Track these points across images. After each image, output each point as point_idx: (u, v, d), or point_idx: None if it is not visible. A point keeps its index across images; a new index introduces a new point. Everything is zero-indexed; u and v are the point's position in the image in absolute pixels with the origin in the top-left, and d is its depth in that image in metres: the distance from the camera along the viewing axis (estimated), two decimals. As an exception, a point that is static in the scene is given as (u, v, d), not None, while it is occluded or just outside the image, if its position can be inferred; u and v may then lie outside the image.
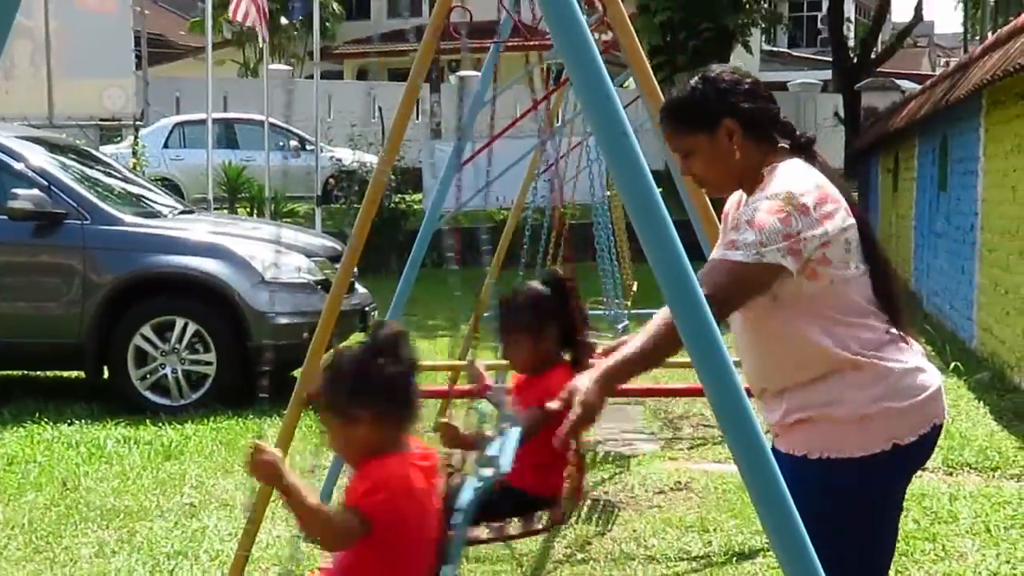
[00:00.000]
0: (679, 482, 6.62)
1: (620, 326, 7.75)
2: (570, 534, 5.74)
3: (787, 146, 3.15)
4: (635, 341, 2.98)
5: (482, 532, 4.12)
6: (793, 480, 3.00)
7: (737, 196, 3.28)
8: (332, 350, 3.07)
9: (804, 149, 3.16)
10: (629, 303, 8.73)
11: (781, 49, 47.91)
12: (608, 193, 9.16)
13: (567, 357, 4.17)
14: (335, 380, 2.96)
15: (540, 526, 4.21)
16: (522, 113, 8.64)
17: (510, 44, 6.79)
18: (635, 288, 9.36)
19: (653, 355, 2.91)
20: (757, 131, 3.11)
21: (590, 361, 3.79)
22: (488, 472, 3.12)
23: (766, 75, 37.70)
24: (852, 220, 3.01)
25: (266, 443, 2.81)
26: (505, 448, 3.31)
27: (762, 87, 3.20)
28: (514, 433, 3.45)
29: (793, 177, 3.01)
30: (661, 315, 2.90)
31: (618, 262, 9.14)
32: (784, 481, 2.84)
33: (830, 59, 31.20)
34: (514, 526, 4.13)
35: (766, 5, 25.88)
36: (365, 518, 2.86)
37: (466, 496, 3.02)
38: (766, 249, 2.88)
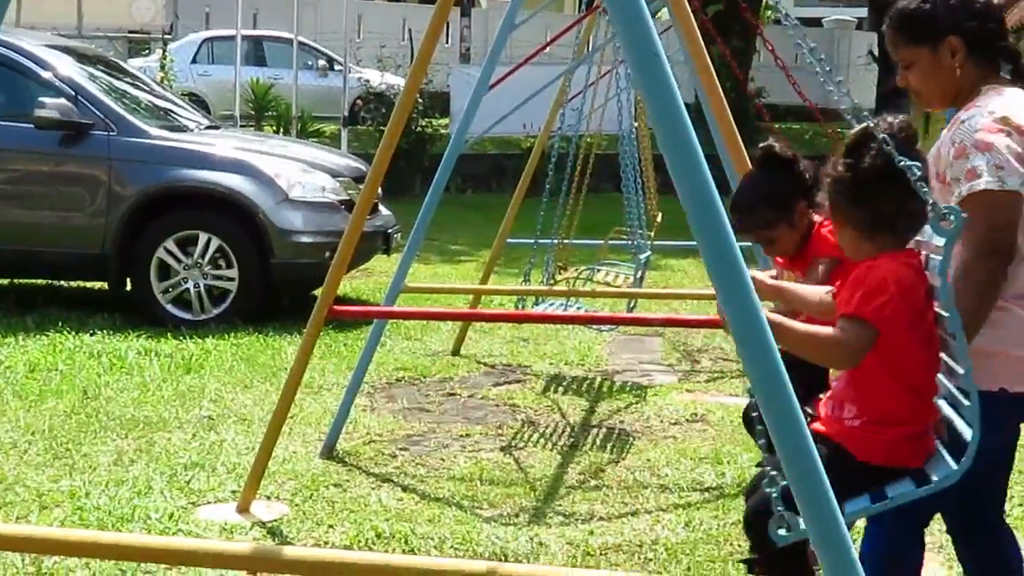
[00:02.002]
0: (695, 414, 6.64)
1: (643, 256, 7.72)
2: (584, 461, 5.78)
3: (1007, 75, 3.12)
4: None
5: None
6: None
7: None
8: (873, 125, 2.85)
9: None
10: (652, 234, 8.69)
11: (817, -16, 47.22)
12: (636, 124, 9.09)
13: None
14: (833, 187, 2.96)
15: None
16: (552, 37, 8.61)
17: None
18: (659, 219, 9.32)
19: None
20: (980, 52, 3.08)
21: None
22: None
23: (800, 11, 37.20)
24: None
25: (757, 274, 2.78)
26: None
27: (995, 8, 3.16)
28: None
29: (1013, 103, 2.99)
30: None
31: (643, 193, 9.08)
32: None
33: (867, -4, 30.74)
34: None
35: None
36: (869, 325, 2.80)
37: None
38: (1004, 173, 2.89)
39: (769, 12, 26.75)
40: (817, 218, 3.94)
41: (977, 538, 3.36)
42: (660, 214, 9.37)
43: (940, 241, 2.75)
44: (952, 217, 2.51)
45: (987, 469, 3.06)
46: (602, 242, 9.00)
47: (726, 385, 7.37)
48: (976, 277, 2.91)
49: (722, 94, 5.05)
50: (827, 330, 2.85)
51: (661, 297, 8.81)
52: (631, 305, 7.72)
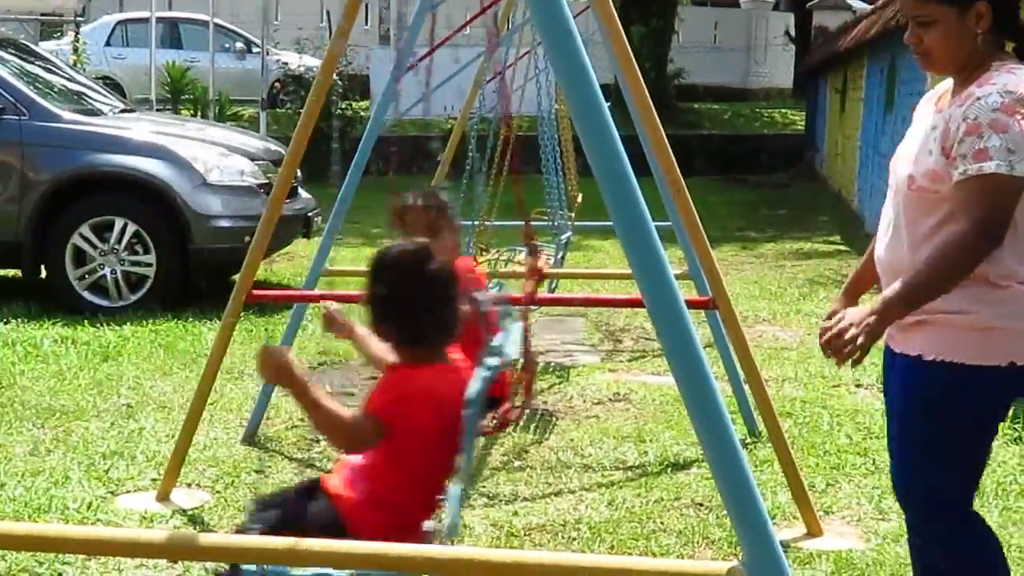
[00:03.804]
0: (617, 393, 6.67)
1: (563, 237, 7.74)
2: (507, 442, 5.78)
3: (1012, 50, 3.10)
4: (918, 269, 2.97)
5: None
6: (903, 381, 3.07)
7: (932, 94, 3.21)
8: (385, 248, 3.09)
9: None
10: (573, 215, 8.72)
11: (735, -35, 47.58)
12: (557, 106, 9.10)
13: None
14: (382, 291, 3.04)
15: (488, 427, 4.19)
16: (469, 18, 8.56)
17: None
18: (579, 200, 9.35)
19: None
20: (1003, 23, 3.04)
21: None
22: (494, 361, 3.10)
23: (719, -9, 37.52)
24: None
25: (274, 345, 2.81)
26: (509, 339, 3.33)
27: None
28: (517, 327, 3.46)
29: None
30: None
31: (564, 175, 9.11)
32: (895, 383, 2.82)
33: (783, -24, 31.04)
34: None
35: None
36: (382, 425, 2.91)
37: (474, 387, 3.02)
38: (1015, 158, 2.86)
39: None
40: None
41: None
42: (580, 195, 9.40)
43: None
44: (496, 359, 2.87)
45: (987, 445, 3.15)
46: (522, 223, 8.99)
47: (648, 364, 7.42)
48: (962, 253, 2.91)
49: (639, 75, 5.06)
50: (348, 415, 2.95)
51: (582, 277, 8.83)
52: (552, 286, 7.73)
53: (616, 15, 5.14)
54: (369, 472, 3.07)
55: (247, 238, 8.27)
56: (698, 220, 4.79)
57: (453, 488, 3.04)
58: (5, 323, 7.91)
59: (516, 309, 3.64)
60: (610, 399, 6.58)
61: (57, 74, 10.26)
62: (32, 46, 11.42)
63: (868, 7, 18.18)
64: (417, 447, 2.97)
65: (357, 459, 3.14)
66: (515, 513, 4.80)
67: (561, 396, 6.65)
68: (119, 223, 8.56)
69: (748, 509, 2.14)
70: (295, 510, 3.05)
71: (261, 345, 2.85)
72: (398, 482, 3.01)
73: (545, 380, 7.05)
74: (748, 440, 5.72)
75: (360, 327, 3.43)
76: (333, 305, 3.54)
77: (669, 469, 5.35)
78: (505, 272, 7.53)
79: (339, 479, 3.13)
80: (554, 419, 6.18)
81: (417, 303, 3.00)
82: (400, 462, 2.98)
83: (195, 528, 4.60)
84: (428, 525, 3.01)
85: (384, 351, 3.27)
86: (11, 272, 9.45)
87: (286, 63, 20.48)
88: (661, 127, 4.90)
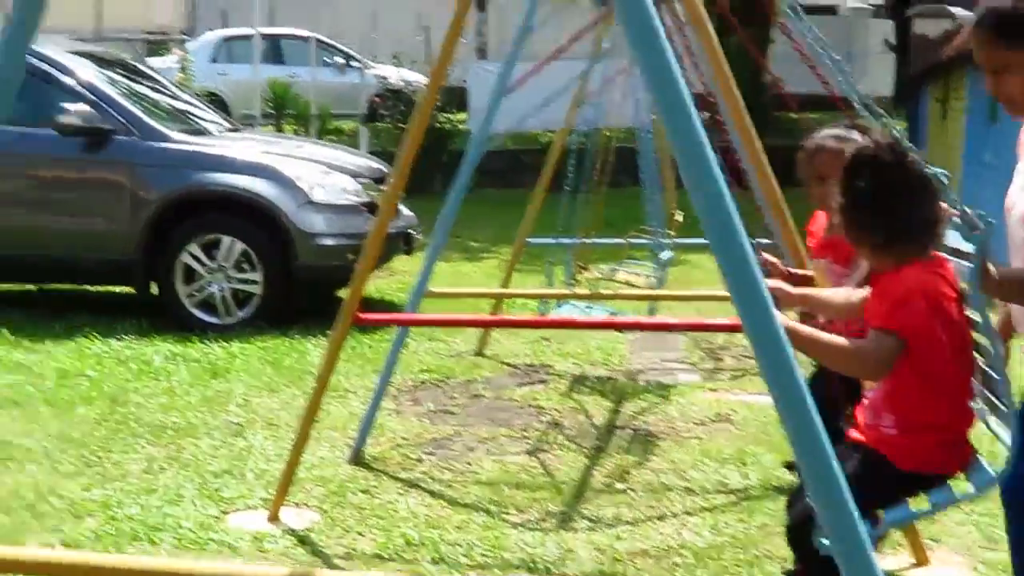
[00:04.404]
0: (719, 414, 6.67)
1: (663, 256, 7.74)
2: (609, 464, 5.81)
3: None
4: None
5: None
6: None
7: None
8: (862, 147, 3.00)
9: None
10: (672, 233, 8.71)
11: (833, -29, 46.95)
12: (653, 117, 9.10)
13: None
14: (850, 203, 2.98)
15: None
16: (574, 35, 8.63)
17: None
18: (679, 217, 9.33)
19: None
20: None
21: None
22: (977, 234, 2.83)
23: (817, -2, 37.09)
24: None
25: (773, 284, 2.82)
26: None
27: None
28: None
29: None
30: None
31: (662, 190, 9.10)
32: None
33: (884, -18, 30.60)
34: None
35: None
36: (895, 336, 2.84)
37: (969, 276, 2.85)
38: None
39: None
40: None
41: None
42: (679, 212, 9.37)
43: (970, 247, 2.78)
44: (983, 224, 2.53)
45: None
46: (623, 241, 9.02)
47: (749, 383, 7.39)
48: None
49: (734, 85, 5.06)
50: (854, 342, 2.89)
51: (683, 299, 8.82)
52: (652, 307, 7.74)
53: (709, 23, 5.15)
54: (891, 399, 2.99)
55: (350, 255, 8.53)
56: (796, 234, 4.77)
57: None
58: (119, 340, 8.12)
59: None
60: (711, 419, 6.58)
61: (164, 93, 10.51)
62: (140, 66, 11.70)
63: (970, 15, 17.87)
64: (932, 349, 2.87)
65: (869, 394, 3.07)
66: (618, 537, 4.83)
67: (662, 416, 6.66)
68: (227, 241, 8.75)
69: (849, 536, 2.14)
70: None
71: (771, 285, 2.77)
72: (928, 395, 2.92)
73: (646, 399, 7.06)
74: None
75: (803, 291, 3.38)
76: (780, 284, 3.34)
77: (772, 493, 5.33)
78: (601, 294, 7.56)
79: (860, 426, 3.07)
80: (656, 440, 6.20)
81: (899, 196, 2.90)
82: (922, 372, 2.89)
83: (305, 549, 4.70)
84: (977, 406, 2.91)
85: (842, 295, 3.26)
86: (123, 289, 9.69)
87: (385, 77, 20.72)
88: (757, 138, 4.90)
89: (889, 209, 2.92)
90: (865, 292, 3.15)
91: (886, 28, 28.73)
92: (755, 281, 2.12)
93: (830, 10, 30.11)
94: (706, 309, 9.12)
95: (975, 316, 2.84)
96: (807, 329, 2.87)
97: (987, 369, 2.82)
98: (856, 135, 3.91)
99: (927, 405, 2.94)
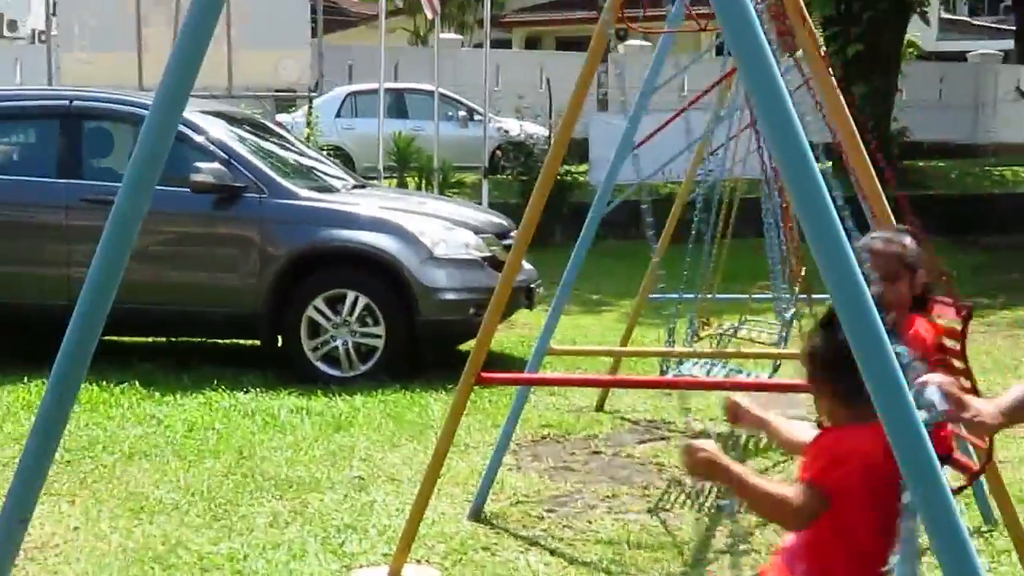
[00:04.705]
0: (845, 473, 6.53)
1: (787, 314, 7.64)
2: (732, 524, 5.74)
3: None
4: None
5: None
6: None
7: None
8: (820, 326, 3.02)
9: None
10: (797, 289, 8.59)
11: (960, 17, 46.25)
12: (776, 169, 9.03)
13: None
14: (822, 356, 2.97)
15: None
16: (705, 89, 8.63)
17: (685, 28, 6.79)
18: (803, 273, 9.20)
19: None
20: None
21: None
22: (922, 416, 2.94)
23: (944, 45, 36.51)
24: None
25: (696, 443, 2.85)
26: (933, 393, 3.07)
27: None
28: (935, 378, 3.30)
29: None
30: None
31: (786, 243, 8.99)
32: None
33: (1013, 28, 30.06)
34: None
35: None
36: (822, 494, 2.85)
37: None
38: None
39: (912, 50, 26.31)
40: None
41: None
42: (804, 268, 9.25)
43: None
44: (929, 412, 2.62)
45: None
46: (746, 297, 8.94)
47: (876, 442, 7.24)
48: None
49: (857, 135, 5.02)
50: (784, 490, 2.89)
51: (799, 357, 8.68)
52: (776, 365, 7.64)
53: (831, 74, 5.13)
54: (807, 550, 3.00)
55: (472, 310, 8.62)
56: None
57: (894, 560, 2.88)
58: (245, 392, 8.29)
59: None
60: (837, 479, 6.45)
61: (291, 150, 10.76)
62: (269, 123, 12.00)
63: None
64: (857, 513, 2.88)
65: (789, 540, 3.09)
66: (742, 601, 4.76)
67: (786, 476, 6.55)
68: (351, 296, 8.89)
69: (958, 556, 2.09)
70: None
71: (684, 444, 2.88)
72: (842, 555, 2.92)
73: (769, 457, 6.97)
74: (982, 528, 5.53)
75: (767, 413, 3.38)
76: (737, 395, 3.42)
77: (900, 557, 5.20)
78: (724, 352, 7.47)
79: (774, 568, 3.09)
80: (779, 500, 6.10)
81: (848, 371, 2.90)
82: (842, 532, 2.90)
83: (426, 606, 4.72)
84: None
85: (798, 433, 3.25)
86: (250, 342, 9.89)
87: (507, 130, 20.90)
88: (881, 189, 4.84)
89: (849, 367, 2.87)
90: (811, 437, 3.09)
91: (1017, 74, 28.18)
92: (879, 339, 2.10)
93: (959, 57, 29.65)
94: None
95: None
96: (739, 469, 2.84)
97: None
98: (907, 239, 3.91)
99: (840, 564, 2.91)
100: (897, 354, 2.94)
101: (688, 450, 2.85)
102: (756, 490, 2.84)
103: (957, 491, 3.69)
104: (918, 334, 3.77)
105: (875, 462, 2.82)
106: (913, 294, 3.85)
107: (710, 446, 2.83)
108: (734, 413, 3.36)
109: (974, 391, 3.72)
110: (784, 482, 2.92)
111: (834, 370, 2.91)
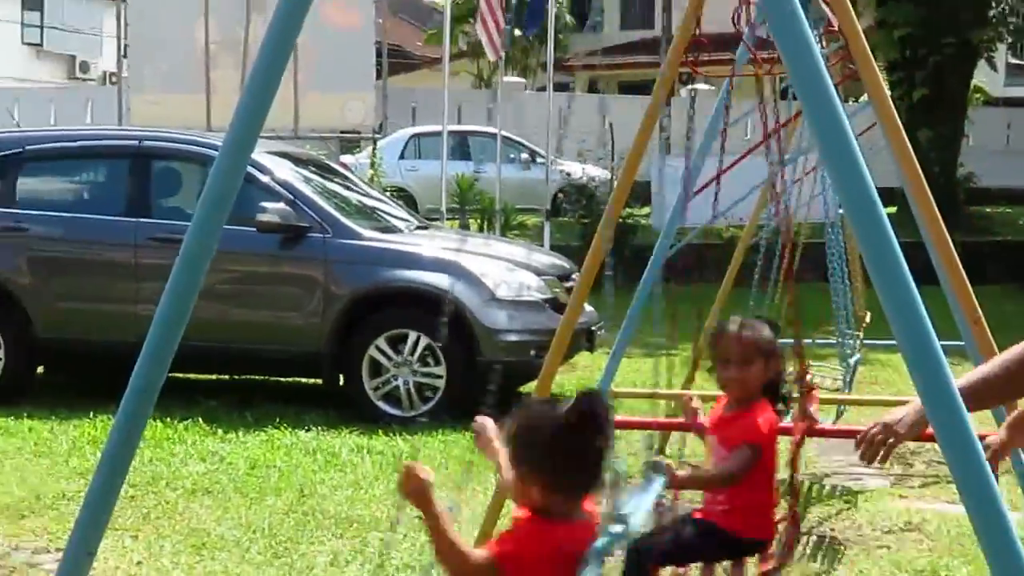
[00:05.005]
0: (909, 522, 6.45)
1: (852, 360, 7.57)
2: (794, 571, 5.66)
3: None
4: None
5: (691, 573, 4.14)
6: None
7: None
8: (530, 400, 3.11)
9: None
10: (861, 335, 8.52)
11: (1029, 63, 45.79)
12: (841, 211, 8.97)
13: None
14: (524, 438, 2.95)
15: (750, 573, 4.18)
16: (769, 132, 8.61)
17: (748, 72, 6.78)
18: (868, 319, 9.13)
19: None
20: None
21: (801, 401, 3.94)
22: (617, 529, 2.95)
23: (1011, 91, 36.15)
24: None
25: (420, 464, 2.90)
26: (641, 504, 3.24)
27: None
28: (655, 486, 3.38)
29: None
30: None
31: (851, 287, 8.93)
32: None
33: (1082, 74, 29.72)
34: (724, 569, 4.12)
35: (1014, 20, 24.73)
36: (498, 567, 2.89)
37: (593, 551, 2.88)
38: None
39: (979, 95, 26.09)
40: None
41: None
42: (868, 312, 9.18)
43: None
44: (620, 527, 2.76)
45: None
46: (809, 341, 8.85)
47: (942, 491, 7.14)
48: None
49: (923, 180, 4.98)
50: (470, 548, 2.91)
51: (871, 404, 8.57)
52: (840, 410, 7.57)
53: (898, 119, 5.11)
54: None
55: (533, 352, 8.61)
56: (990, 335, 4.62)
57: None
58: (306, 431, 8.33)
59: (662, 467, 3.55)
60: (901, 528, 6.37)
61: (355, 190, 10.86)
62: (333, 164, 12.12)
63: None
64: None
65: None
66: (804, 649, 4.69)
67: (849, 523, 6.48)
68: (412, 335, 8.93)
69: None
70: None
71: (406, 463, 2.92)
72: None
73: (832, 504, 6.88)
74: None
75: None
76: (484, 419, 3.44)
77: (967, 609, 5.13)
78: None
79: None
80: (842, 548, 6.03)
81: (551, 463, 2.89)
82: None
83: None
84: None
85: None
86: (312, 381, 9.94)
87: (569, 173, 20.97)
88: (947, 234, 4.79)
89: (543, 468, 2.89)
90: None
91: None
92: (948, 386, 2.08)
93: (1026, 102, 29.38)
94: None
95: None
96: (442, 510, 2.89)
97: None
98: (764, 328, 4.17)
99: None
100: (612, 465, 3.00)
101: (407, 472, 2.89)
102: (445, 535, 2.87)
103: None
104: (755, 421, 3.98)
105: (568, 560, 2.84)
106: (763, 381, 4.07)
107: (430, 478, 2.88)
108: (478, 434, 3.41)
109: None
110: (486, 548, 2.95)
111: (548, 461, 2.88)
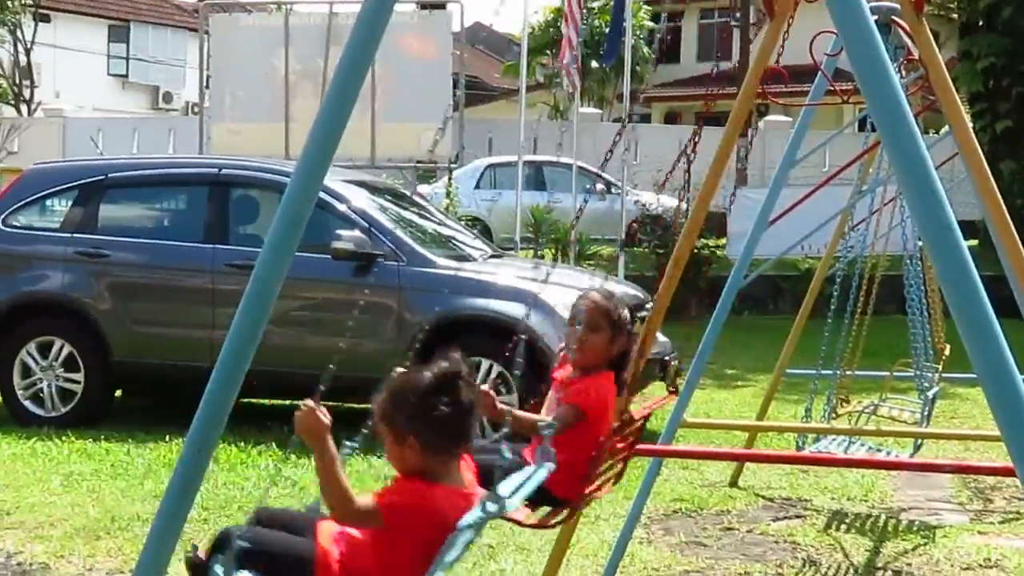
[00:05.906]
0: (988, 559, 6.31)
1: (930, 393, 7.45)
2: (870, 607, 5.58)
3: None
4: None
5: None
6: None
7: None
8: (401, 370, 3.26)
9: None
10: (940, 368, 8.37)
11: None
12: (920, 243, 8.85)
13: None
14: (396, 401, 3.16)
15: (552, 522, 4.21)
16: (849, 161, 8.55)
17: (826, 102, 6.74)
18: (947, 352, 8.97)
19: None
20: None
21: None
22: (492, 508, 2.98)
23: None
24: None
25: (319, 405, 3.07)
26: (522, 488, 3.26)
27: None
28: (542, 472, 3.44)
29: None
30: None
31: (930, 319, 8.79)
32: None
33: None
34: (528, 516, 4.14)
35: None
36: (380, 514, 3.05)
37: (467, 520, 2.95)
38: None
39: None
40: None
41: None
42: (947, 346, 9.02)
43: None
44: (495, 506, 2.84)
45: None
46: (886, 374, 8.75)
47: (1022, 528, 6.99)
48: None
49: (1005, 212, 4.91)
50: (358, 499, 3.07)
51: (949, 438, 8.45)
52: (917, 444, 7.45)
53: (980, 151, 5.04)
54: (352, 541, 3.21)
55: (605, 382, 8.55)
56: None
57: None
58: (378, 456, 8.31)
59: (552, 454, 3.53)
60: (980, 565, 6.24)
61: (431, 219, 10.91)
62: (409, 193, 12.20)
63: None
64: (403, 552, 3.07)
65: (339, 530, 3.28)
66: None
67: (926, 560, 6.36)
68: (485, 364, 8.93)
69: None
70: (279, 539, 3.26)
71: (305, 402, 3.10)
72: (371, 566, 3.14)
73: (909, 540, 6.77)
74: None
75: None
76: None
77: (1048, 649, 5.00)
78: (863, 430, 7.33)
79: (329, 531, 3.27)
80: (919, 585, 5.92)
81: (423, 422, 3.10)
82: (381, 554, 3.11)
83: None
84: None
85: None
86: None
87: (644, 204, 20.91)
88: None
89: (421, 432, 3.12)
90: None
91: None
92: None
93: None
94: (975, 447, 8.73)
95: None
96: (334, 452, 3.12)
97: None
98: (623, 307, 4.33)
99: (365, 569, 3.20)
100: (500, 451, 3.12)
101: (306, 411, 3.07)
102: (335, 477, 3.04)
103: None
104: (588, 387, 4.14)
105: (444, 524, 2.95)
106: (609, 355, 4.22)
107: (327, 420, 3.07)
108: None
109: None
110: (371, 495, 3.10)
111: (420, 420, 3.08)
